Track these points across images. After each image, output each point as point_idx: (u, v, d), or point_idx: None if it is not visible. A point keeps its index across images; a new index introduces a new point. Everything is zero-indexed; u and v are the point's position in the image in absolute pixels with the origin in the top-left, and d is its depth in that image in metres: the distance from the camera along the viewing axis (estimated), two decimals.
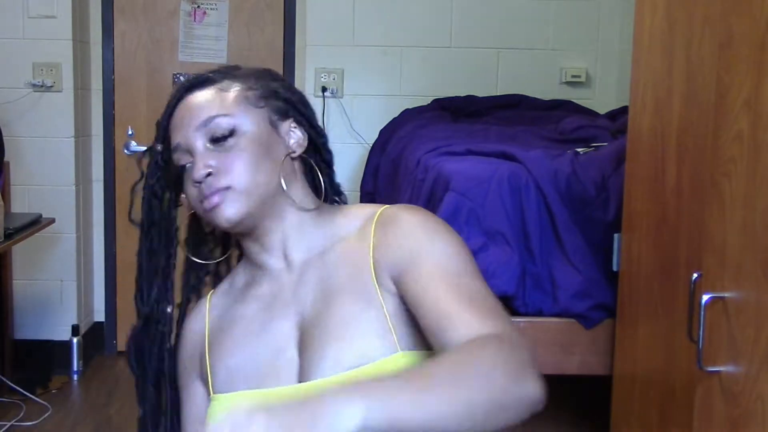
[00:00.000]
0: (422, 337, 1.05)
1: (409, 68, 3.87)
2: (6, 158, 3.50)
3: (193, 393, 1.21)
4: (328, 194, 1.23)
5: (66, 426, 3.20)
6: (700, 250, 1.54)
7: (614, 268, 2.25)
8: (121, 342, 4.06)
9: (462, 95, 3.66)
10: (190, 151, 1.12)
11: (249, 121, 1.12)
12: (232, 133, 1.11)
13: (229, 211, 1.09)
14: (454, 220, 2.21)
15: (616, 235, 2.23)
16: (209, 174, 1.09)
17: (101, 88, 3.96)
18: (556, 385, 3.34)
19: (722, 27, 1.41)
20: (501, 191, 2.27)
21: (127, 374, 3.87)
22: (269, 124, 1.14)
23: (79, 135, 3.82)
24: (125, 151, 3.93)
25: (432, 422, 0.84)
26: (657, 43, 1.99)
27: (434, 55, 3.86)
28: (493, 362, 0.89)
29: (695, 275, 1.53)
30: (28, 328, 3.78)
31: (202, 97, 1.14)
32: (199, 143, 1.11)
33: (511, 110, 3.45)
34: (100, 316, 4.07)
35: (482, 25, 3.89)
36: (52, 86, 3.69)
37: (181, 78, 3.96)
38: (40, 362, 3.72)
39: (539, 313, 2.29)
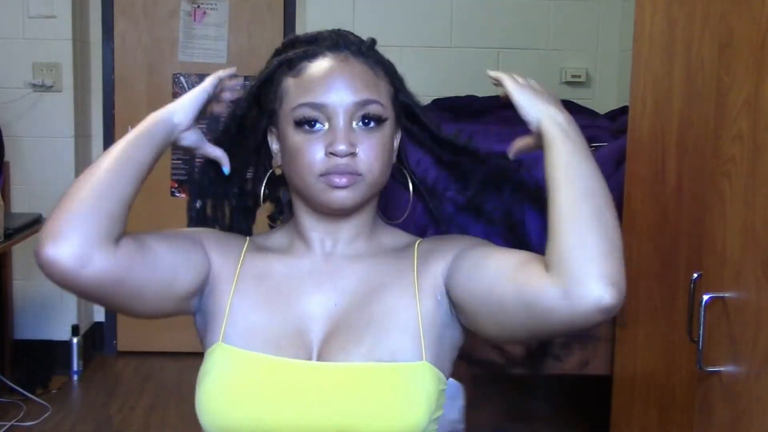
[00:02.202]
0: (444, 360, 1.13)
1: (408, 68, 3.84)
2: (6, 158, 3.50)
3: (193, 247, 1.14)
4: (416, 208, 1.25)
5: (66, 426, 3.20)
6: (700, 250, 1.54)
7: None
8: (121, 342, 4.07)
9: (462, 95, 3.66)
10: (330, 117, 1.09)
11: (391, 118, 1.14)
12: (380, 123, 1.11)
13: (351, 198, 1.09)
14: None
15: None
16: (352, 154, 1.08)
17: (101, 88, 3.96)
18: (556, 385, 3.36)
19: (722, 27, 1.41)
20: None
21: (128, 374, 3.88)
22: (395, 125, 1.17)
23: (79, 135, 3.82)
24: None
25: (574, 168, 1.02)
26: (657, 43, 1.99)
27: (434, 55, 3.86)
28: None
29: (695, 275, 1.53)
30: (28, 328, 3.78)
31: (362, 71, 1.12)
32: (349, 118, 1.09)
33: (511, 110, 3.44)
34: (100, 316, 4.08)
35: (482, 25, 3.89)
36: (52, 86, 3.69)
37: (182, 78, 3.97)
38: (40, 362, 3.72)
39: None
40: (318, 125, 1.09)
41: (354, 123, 1.09)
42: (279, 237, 1.21)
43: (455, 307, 1.13)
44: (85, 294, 1.04)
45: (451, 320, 1.14)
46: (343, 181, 1.08)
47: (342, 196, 1.09)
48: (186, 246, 1.13)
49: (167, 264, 1.09)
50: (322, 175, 1.08)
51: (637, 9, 2.11)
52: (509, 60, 3.89)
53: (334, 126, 1.08)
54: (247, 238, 1.22)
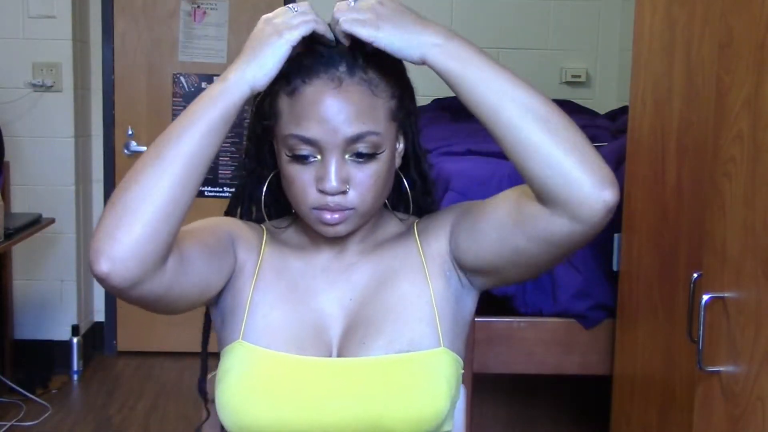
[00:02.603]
0: (460, 340, 1.14)
1: (408, 68, 3.86)
2: (6, 158, 3.50)
3: (225, 250, 1.12)
4: (420, 208, 1.22)
5: (66, 426, 3.20)
6: (700, 250, 1.54)
7: (614, 268, 2.25)
8: (121, 342, 4.07)
9: None
10: (322, 151, 1.04)
11: (389, 140, 1.08)
12: (375, 154, 1.06)
13: (344, 230, 1.08)
14: None
15: (616, 235, 2.23)
16: (343, 192, 1.05)
17: (101, 88, 3.96)
18: (556, 385, 3.37)
19: (722, 27, 1.41)
20: (501, 191, 2.27)
21: (127, 374, 3.89)
22: (395, 139, 1.12)
23: (79, 135, 3.82)
24: (125, 151, 3.93)
25: (491, 93, 0.96)
26: (657, 43, 1.99)
27: None
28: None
29: (695, 275, 1.53)
30: (28, 328, 3.78)
31: (357, 95, 1.04)
32: (341, 152, 1.04)
33: None
34: (100, 316, 4.07)
35: (482, 25, 3.88)
36: (52, 86, 3.69)
37: (182, 78, 3.97)
38: (40, 362, 3.72)
39: (539, 313, 2.29)
40: (311, 158, 1.05)
41: (347, 155, 1.05)
42: (292, 232, 1.20)
43: (471, 273, 1.13)
44: (133, 303, 1.02)
45: (463, 291, 1.15)
46: (335, 217, 1.06)
47: (335, 231, 1.08)
48: (219, 250, 1.10)
49: (204, 274, 1.07)
50: (314, 208, 1.07)
51: (637, 9, 2.11)
52: (509, 60, 3.89)
53: (326, 161, 1.04)
54: (263, 228, 1.20)
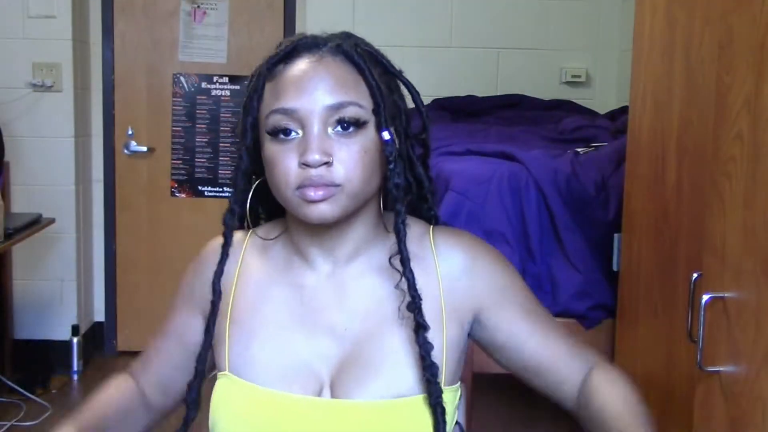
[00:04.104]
0: (458, 369, 1.11)
1: (408, 68, 3.85)
2: (6, 158, 3.50)
3: (186, 320, 1.15)
4: (423, 212, 1.15)
5: None
6: (700, 250, 1.54)
7: (614, 268, 2.25)
8: (121, 342, 4.07)
9: (462, 95, 3.66)
10: (303, 123, 1.00)
11: (375, 119, 1.02)
12: (359, 127, 1.00)
13: (330, 211, 0.99)
14: (454, 220, 2.21)
15: (616, 235, 2.23)
16: (327, 163, 0.98)
17: (101, 88, 3.96)
18: None
19: (722, 27, 1.41)
20: (501, 191, 2.27)
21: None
22: (382, 124, 1.03)
23: (79, 135, 3.82)
24: (125, 151, 3.93)
25: None
26: (657, 43, 1.99)
27: (434, 55, 3.86)
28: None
29: (695, 275, 1.52)
30: (28, 328, 3.78)
31: (339, 70, 1.01)
32: (323, 124, 0.99)
33: (511, 110, 3.45)
34: (100, 316, 4.07)
35: (482, 25, 3.89)
36: (52, 86, 3.69)
37: (182, 78, 3.97)
38: (40, 362, 3.72)
39: None
40: (292, 133, 1.00)
41: (329, 129, 1.00)
42: (278, 247, 1.12)
43: (477, 340, 1.14)
44: None
45: (468, 336, 1.13)
46: (319, 194, 0.98)
47: (320, 210, 0.99)
48: (183, 336, 1.15)
49: (186, 362, 1.13)
50: (297, 188, 0.99)
51: (637, 9, 2.11)
52: (509, 60, 3.90)
53: (307, 133, 0.99)
54: (244, 244, 1.13)
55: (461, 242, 1.12)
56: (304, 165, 0.98)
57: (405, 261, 1.03)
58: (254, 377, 1.05)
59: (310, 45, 1.03)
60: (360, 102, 1.01)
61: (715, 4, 1.64)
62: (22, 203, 3.67)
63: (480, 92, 3.71)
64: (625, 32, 3.71)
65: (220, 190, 4.00)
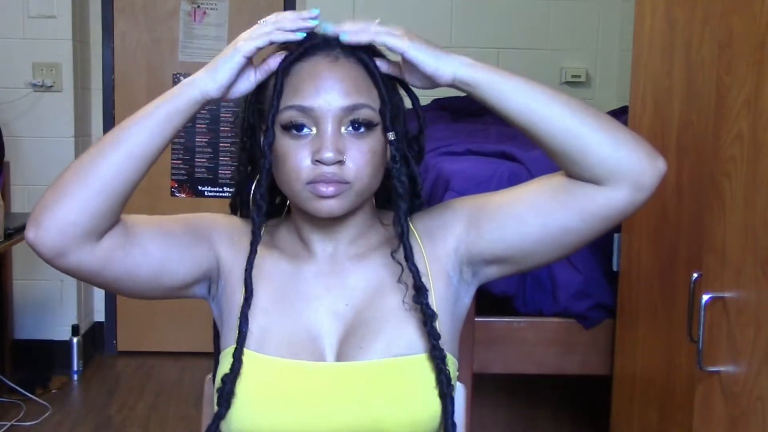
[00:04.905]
0: (455, 337, 1.14)
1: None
2: (6, 158, 3.50)
3: (196, 242, 1.12)
4: (415, 206, 1.19)
5: (66, 426, 3.20)
6: (700, 250, 1.54)
7: (614, 268, 2.25)
8: (121, 342, 4.07)
9: (462, 95, 3.65)
10: (318, 121, 1.05)
11: (383, 121, 1.08)
12: (370, 128, 1.07)
13: (338, 206, 1.06)
14: None
15: (616, 235, 2.23)
16: (339, 162, 1.04)
17: (101, 88, 3.96)
18: (556, 385, 3.35)
19: (722, 27, 1.41)
20: (501, 191, 2.27)
21: (127, 374, 3.88)
22: (387, 125, 1.10)
23: (79, 135, 3.82)
24: None
25: (535, 96, 1.04)
26: (657, 43, 1.99)
27: None
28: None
29: (695, 275, 1.53)
30: (28, 328, 3.78)
31: (353, 72, 1.07)
32: (337, 124, 1.05)
33: None
34: (100, 316, 4.07)
35: (482, 25, 3.89)
36: (52, 86, 3.69)
37: (182, 78, 3.96)
38: (40, 362, 3.72)
39: (539, 313, 2.29)
40: (305, 130, 1.05)
41: (342, 128, 1.05)
42: (283, 236, 1.18)
43: (488, 263, 1.14)
44: (68, 274, 1.08)
45: (462, 288, 1.16)
46: (330, 190, 1.04)
47: (329, 205, 1.05)
48: (186, 240, 1.11)
49: (157, 259, 1.08)
50: (308, 183, 1.05)
51: (637, 9, 2.11)
52: (509, 60, 3.89)
53: (322, 132, 1.04)
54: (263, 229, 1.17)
55: (431, 209, 1.19)
56: (318, 162, 1.04)
57: (409, 256, 1.09)
58: (263, 348, 1.09)
59: (324, 44, 1.08)
60: (371, 104, 1.07)
61: (715, 4, 1.64)
62: (22, 203, 3.67)
63: None
64: (625, 32, 3.71)
65: (220, 190, 4.00)
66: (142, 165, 1.04)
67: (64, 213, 1.00)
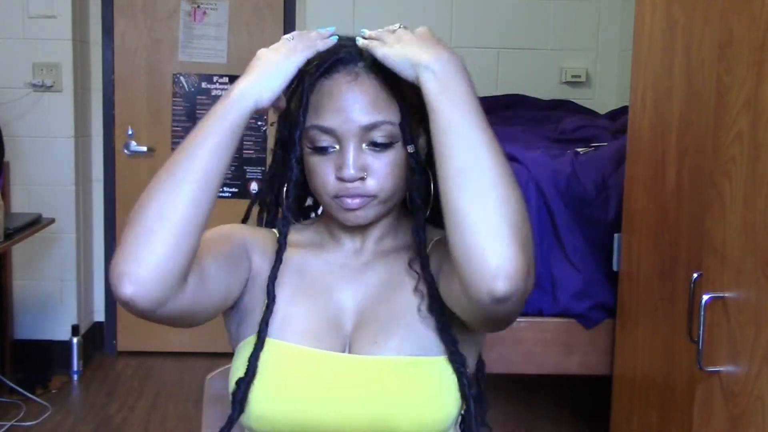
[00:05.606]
0: (467, 341, 1.13)
1: None
2: (6, 158, 3.50)
3: (240, 258, 1.13)
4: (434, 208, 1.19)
5: (66, 426, 3.20)
6: (700, 250, 1.54)
7: (614, 268, 2.25)
8: (121, 342, 4.07)
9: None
10: (340, 140, 1.09)
11: (407, 131, 1.10)
12: (392, 142, 1.10)
13: (364, 217, 1.11)
14: None
15: (616, 235, 2.23)
16: (361, 178, 1.08)
17: (101, 88, 3.96)
18: (556, 385, 3.35)
19: (722, 27, 1.41)
20: None
21: (127, 374, 3.87)
22: (415, 132, 1.12)
23: (79, 135, 3.82)
24: (125, 151, 3.93)
25: (471, 133, 1.00)
26: (657, 43, 1.99)
27: None
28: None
29: (695, 275, 1.53)
30: (28, 328, 3.78)
31: (373, 88, 1.09)
32: (358, 141, 1.08)
33: (511, 110, 3.45)
34: (100, 316, 4.08)
35: (482, 25, 3.89)
36: (52, 86, 3.69)
37: (182, 78, 3.97)
38: (40, 362, 3.72)
39: (539, 313, 2.29)
40: (330, 148, 1.10)
41: (364, 145, 1.09)
42: (310, 233, 1.22)
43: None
44: (167, 323, 1.02)
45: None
46: (356, 202, 1.09)
47: (356, 216, 1.11)
48: (234, 257, 1.11)
49: (224, 284, 1.08)
50: (335, 196, 1.10)
51: (637, 9, 2.11)
52: (509, 60, 3.90)
53: (344, 150, 1.08)
54: (274, 232, 1.20)
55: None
56: (340, 179, 1.08)
57: (425, 265, 1.11)
58: (283, 335, 1.11)
59: (347, 59, 1.10)
60: (392, 120, 1.09)
61: (715, 4, 1.65)
62: (22, 203, 3.67)
63: (480, 92, 3.64)
64: (625, 32, 3.71)
65: (221, 190, 3.99)
66: (216, 186, 1.01)
67: (156, 261, 0.94)
